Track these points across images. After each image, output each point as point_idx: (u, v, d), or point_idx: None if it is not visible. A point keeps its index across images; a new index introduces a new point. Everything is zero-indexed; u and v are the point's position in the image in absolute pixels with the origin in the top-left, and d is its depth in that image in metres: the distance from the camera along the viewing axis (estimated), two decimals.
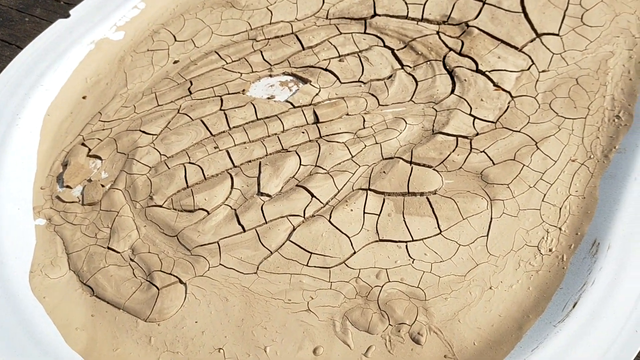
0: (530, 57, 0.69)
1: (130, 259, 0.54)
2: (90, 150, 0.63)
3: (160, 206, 0.58)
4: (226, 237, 0.56)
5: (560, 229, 0.55)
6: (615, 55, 0.69)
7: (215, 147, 0.62)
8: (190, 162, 0.61)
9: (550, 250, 0.54)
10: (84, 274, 0.54)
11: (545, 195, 0.57)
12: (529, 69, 0.68)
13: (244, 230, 0.56)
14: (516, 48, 0.70)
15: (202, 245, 0.55)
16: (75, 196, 0.60)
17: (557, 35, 0.71)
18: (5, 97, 0.65)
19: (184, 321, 0.51)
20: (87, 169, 0.61)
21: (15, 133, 0.63)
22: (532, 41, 0.71)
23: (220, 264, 0.54)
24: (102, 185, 0.60)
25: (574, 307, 0.49)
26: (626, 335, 0.47)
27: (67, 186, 0.60)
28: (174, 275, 0.53)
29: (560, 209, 0.56)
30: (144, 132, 0.64)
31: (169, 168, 0.61)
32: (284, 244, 0.55)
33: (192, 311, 0.51)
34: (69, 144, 0.64)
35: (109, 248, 0.55)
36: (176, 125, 0.64)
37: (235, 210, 0.57)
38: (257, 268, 0.54)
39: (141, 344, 0.50)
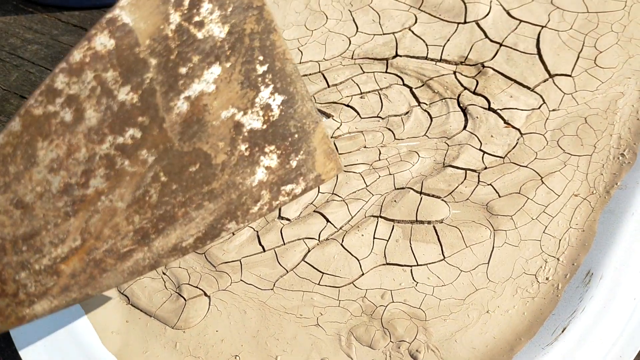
0: (541, 97, 0.73)
1: (163, 273, 0.61)
2: None
3: None
4: (248, 256, 0.62)
5: (558, 259, 0.59)
6: (625, 96, 0.72)
7: None
8: None
9: (547, 279, 0.58)
10: (122, 285, 0.61)
11: (546, 227, 0.61)
12: (539, 107, 0.72)
13: (264, 250, 0.62)
14: (528, 88, 0.74)
15: (226, 263, 0.61)
16: None
17: (570, 76, 0.75)
18: None
19: (206, 329, 0.57)
20: None
21: None
22: (544, 81, 0.75)
23: (241, 280, 0.60)
24: None
25: (562, 331, 0.52)
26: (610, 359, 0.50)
27: None
28: (199, 289, 0.59)
29: (560, 240, 0.60)
30: None
31: None
32: (299, 264, 0.61)
33: (213, 321, 0.57)
34: None
35: None
36: None
37: (257, 232, 0.63)
38: (274, 285, 0.59)
39: (168, 348, 0.56)
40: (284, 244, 0.62)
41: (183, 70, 0.31)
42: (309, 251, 0.61)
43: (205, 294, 0.59)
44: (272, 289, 0.59)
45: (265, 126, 0.34)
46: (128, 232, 0.32)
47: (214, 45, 0.31)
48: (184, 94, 0.32)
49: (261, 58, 0.33)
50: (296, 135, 0.35)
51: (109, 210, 0.30)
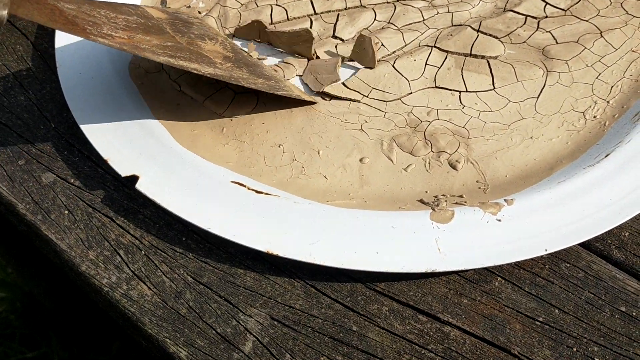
0: None
1: None
2: None
3: None
4: None
5: (608, 102, 0.58)
6: None
7: None
8: (276, 4, 0.68)
9: (594, 117, 0.57)
10: (174, 74, 0.62)
11: (600, 74, 0.61)
12: None
13: None
14: None
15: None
16: None
17: None
18: None
19: (252, 120, 0.58)
20: None
21: None
22: None
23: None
24: (199, 12, 0.68)
25: (606, 157, 0.53)
26: None
27: (169, 7, 0.68)
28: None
29: (612, 87, 0.60)
30: None
31: (257, 6, 0.68)
32: (350, 77, 0.61)
33: (260, 115, 0.58)
34: None
35: None
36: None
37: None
38: (322, 91, 0.60)
39: (215, 131, 0.57)
40: None
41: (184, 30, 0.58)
42: (360, 68, 0.62)
43: (254, 92, 0.60)
44: (319, 95, 0.60)
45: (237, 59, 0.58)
46: (159, 49, 0.52)
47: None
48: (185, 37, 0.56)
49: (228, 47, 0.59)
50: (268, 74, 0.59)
51: (145, 39, 0.52)
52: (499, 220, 0.49)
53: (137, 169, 0.53)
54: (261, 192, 0.52)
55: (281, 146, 0.56)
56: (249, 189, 0.52)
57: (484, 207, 0.50)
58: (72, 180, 0.55)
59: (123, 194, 0.54)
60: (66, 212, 0.53)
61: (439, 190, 0.53)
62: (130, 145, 0.54)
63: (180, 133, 0.56)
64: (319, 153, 0.56)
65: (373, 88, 0.60)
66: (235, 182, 0.52)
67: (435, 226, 0.49)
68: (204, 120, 0.58)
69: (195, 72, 0.50)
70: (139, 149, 0.54)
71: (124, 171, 0.52)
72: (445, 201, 0.51)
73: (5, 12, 0.44)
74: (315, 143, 0.56)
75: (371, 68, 0.61)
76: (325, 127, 0.58)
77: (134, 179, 0.52)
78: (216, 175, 0.53)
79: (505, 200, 0.50)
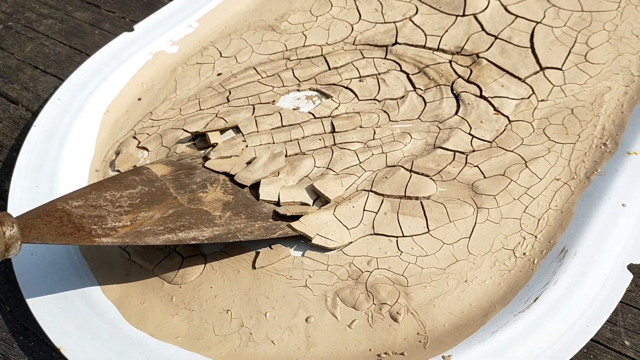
0: (531, 87, 0.77)
1: None
2: (139, 142, 0.74)
3: None
4: None
5: (535, 236, 0.62)
6: (612, 90, 0.76)
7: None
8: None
9: (524, 254, 0.61)
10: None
11: (527, 207, 0.65)
12: (529, 97, 0.76)
13: None
14: (519, 79, 0.78)
15: None
16: None
17: (560, 69, 0.78)
18: (73, 93, 0.78)
19: (201, 286, 0.60)
20: (135, 157, 0.72)
21: (78, 124, 0.75)
22: (535, 73, 0.78)
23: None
24: None
25: (535, 301, 0.56)
26: (577, 328, 0.53)
27: (118, 170, 0.71)
28: (197, 248, 0.63)
29: (539, 220, 0.63)
30: (185, 130, 0.74)
31: None
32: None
33: (208, 278, 0.61)
34: (122, 137, 0.75)
35: None
36: (214, 127, 0.75)
37: None
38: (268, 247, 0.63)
39: (164, 301, 0.59)
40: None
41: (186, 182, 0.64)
42: None
43: (202, 254, 0.63)
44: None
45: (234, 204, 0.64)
46: (160, 227, 0.57)
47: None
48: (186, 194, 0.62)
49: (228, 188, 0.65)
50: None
51: (148, 216, 0.57)
52: None
53: (89, 355, 0.54)
54: None
55: (229, 311, 0.59)
56: None
57: None
58: None
59: None
60: None
61: (382, 347, 0.55)
62: (81, 330, 0.56)
63: (129, 309, 0.58)
64: (266, 315, 0.58)
65: (317, 234, 0.63)
66: None
67: None
68: (153, 290, 0.60)
69: (193, 242, 0.56)
70: (90, 333, 0.56)
71: None
72: None
73: (18, 244, 0.47)
74: (262, 305, 0.59)
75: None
76: (272, 286, 0.60)
77: None
78: (165, 355, 0.55)
79: (443, 357, 0.53)
